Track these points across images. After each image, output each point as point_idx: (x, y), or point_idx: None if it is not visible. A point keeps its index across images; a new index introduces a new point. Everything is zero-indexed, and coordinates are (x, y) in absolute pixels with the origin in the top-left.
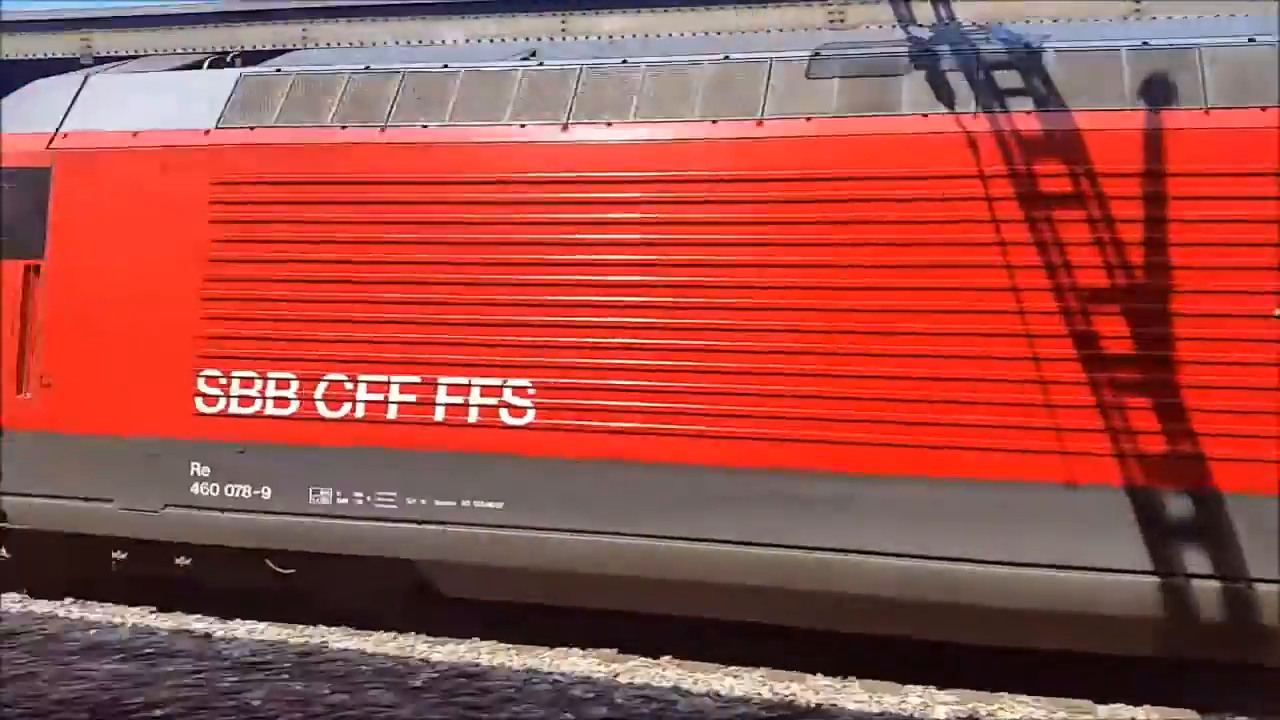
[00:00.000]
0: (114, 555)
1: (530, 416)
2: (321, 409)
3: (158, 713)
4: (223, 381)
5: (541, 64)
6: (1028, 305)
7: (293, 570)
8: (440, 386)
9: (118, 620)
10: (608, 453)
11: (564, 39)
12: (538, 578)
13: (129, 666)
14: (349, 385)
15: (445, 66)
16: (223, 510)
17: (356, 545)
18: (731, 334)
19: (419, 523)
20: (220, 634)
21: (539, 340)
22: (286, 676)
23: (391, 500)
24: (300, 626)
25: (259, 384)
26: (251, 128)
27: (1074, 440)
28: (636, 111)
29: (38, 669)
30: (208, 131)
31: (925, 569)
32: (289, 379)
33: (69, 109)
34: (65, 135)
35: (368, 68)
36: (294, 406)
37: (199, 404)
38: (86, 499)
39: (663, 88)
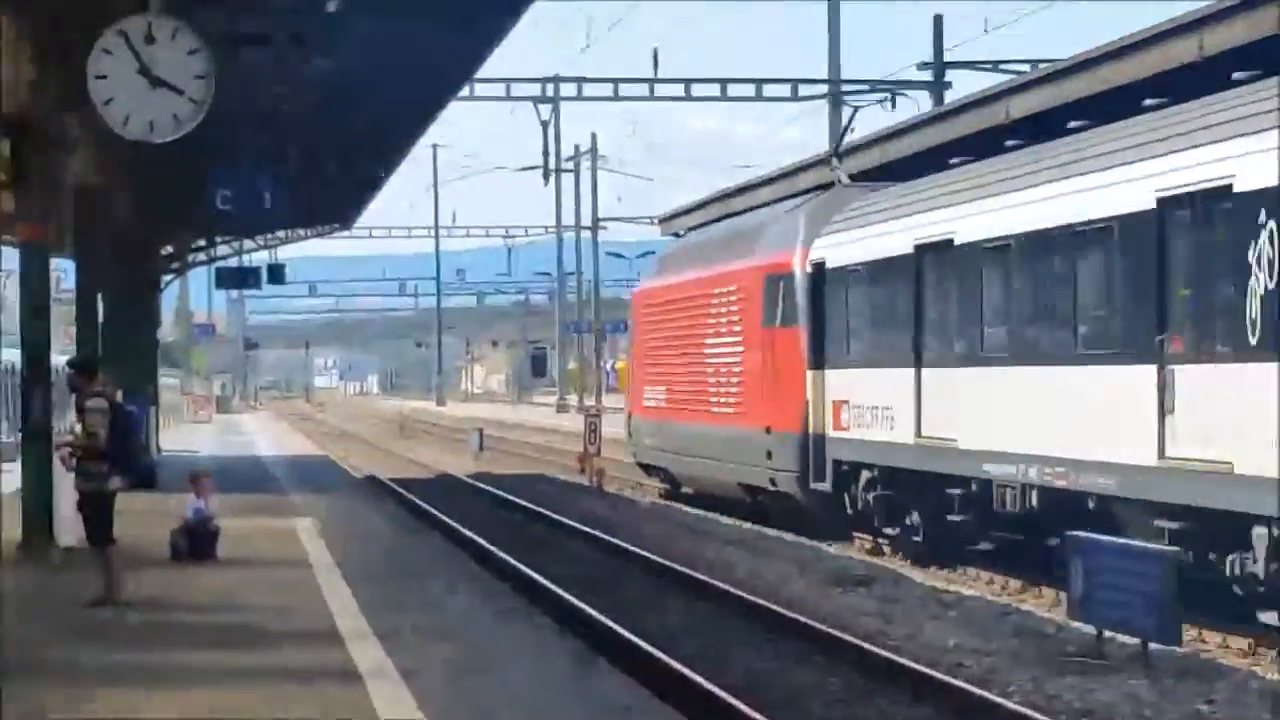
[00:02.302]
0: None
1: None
2: (659, 404)
3: None
4: (648, 393)
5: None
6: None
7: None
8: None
9: None
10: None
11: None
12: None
13: None
14: (668, 393)
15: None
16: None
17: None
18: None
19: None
20: None
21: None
22: None
23: (657, 434)
24: None
25: (656, 392)
26: (650, 280)
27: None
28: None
29: None
30: (643, 283)
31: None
32: (660, 390)
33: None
34: (642, 285)
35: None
36: (658, 401)
37: (645, 401)
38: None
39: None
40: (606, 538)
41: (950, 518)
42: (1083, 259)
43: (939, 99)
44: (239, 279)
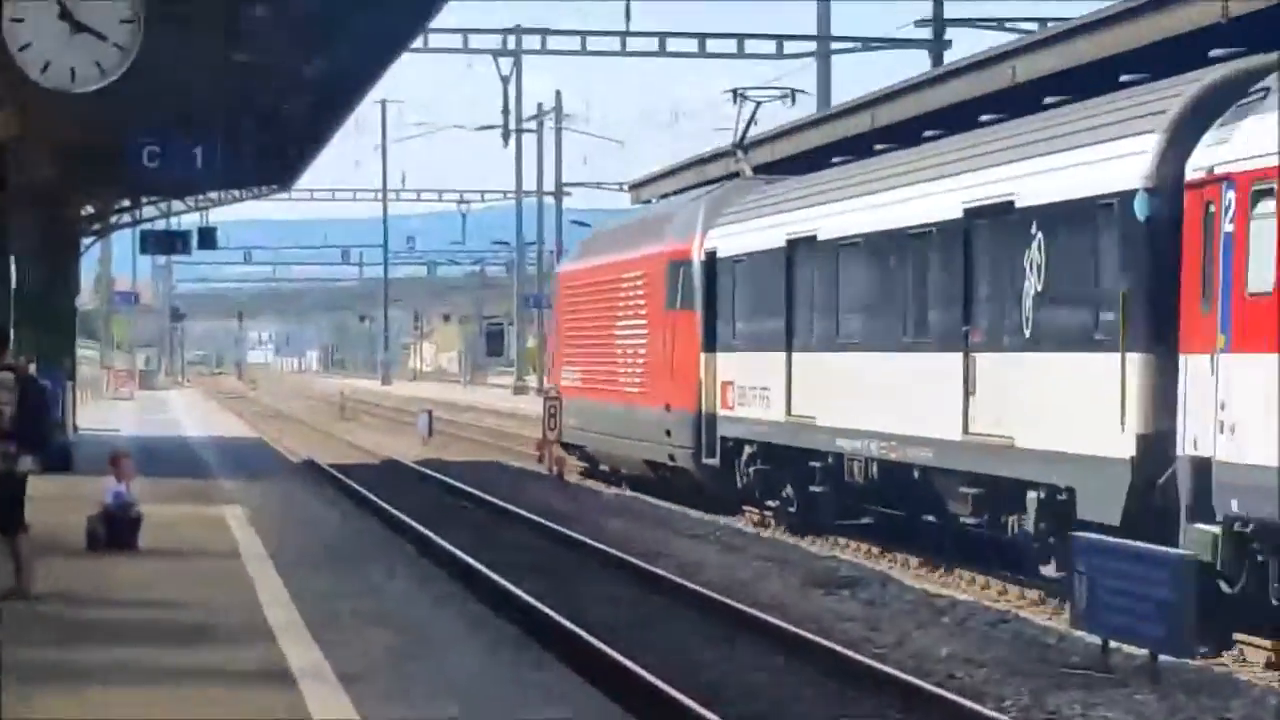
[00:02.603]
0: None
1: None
2: (576, 383)
3: None
4: (566, 372)
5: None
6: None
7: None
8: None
9: None
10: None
11: None
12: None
13: None
14: (583, 373)
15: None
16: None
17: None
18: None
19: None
20: None
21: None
22: None
23: (575, 412)
24: None
25: (574, 372)
26: (572, 263)
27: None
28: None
29: None
30: (565, 265)
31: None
32: (577, 370)
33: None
34: (564, 267)
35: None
36: (575, 381)
37: (562, 380)
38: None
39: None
40: (566, 531)
41: (813, 489)
42: (910, 259)
43: (937, 59)
44: (166, 243)
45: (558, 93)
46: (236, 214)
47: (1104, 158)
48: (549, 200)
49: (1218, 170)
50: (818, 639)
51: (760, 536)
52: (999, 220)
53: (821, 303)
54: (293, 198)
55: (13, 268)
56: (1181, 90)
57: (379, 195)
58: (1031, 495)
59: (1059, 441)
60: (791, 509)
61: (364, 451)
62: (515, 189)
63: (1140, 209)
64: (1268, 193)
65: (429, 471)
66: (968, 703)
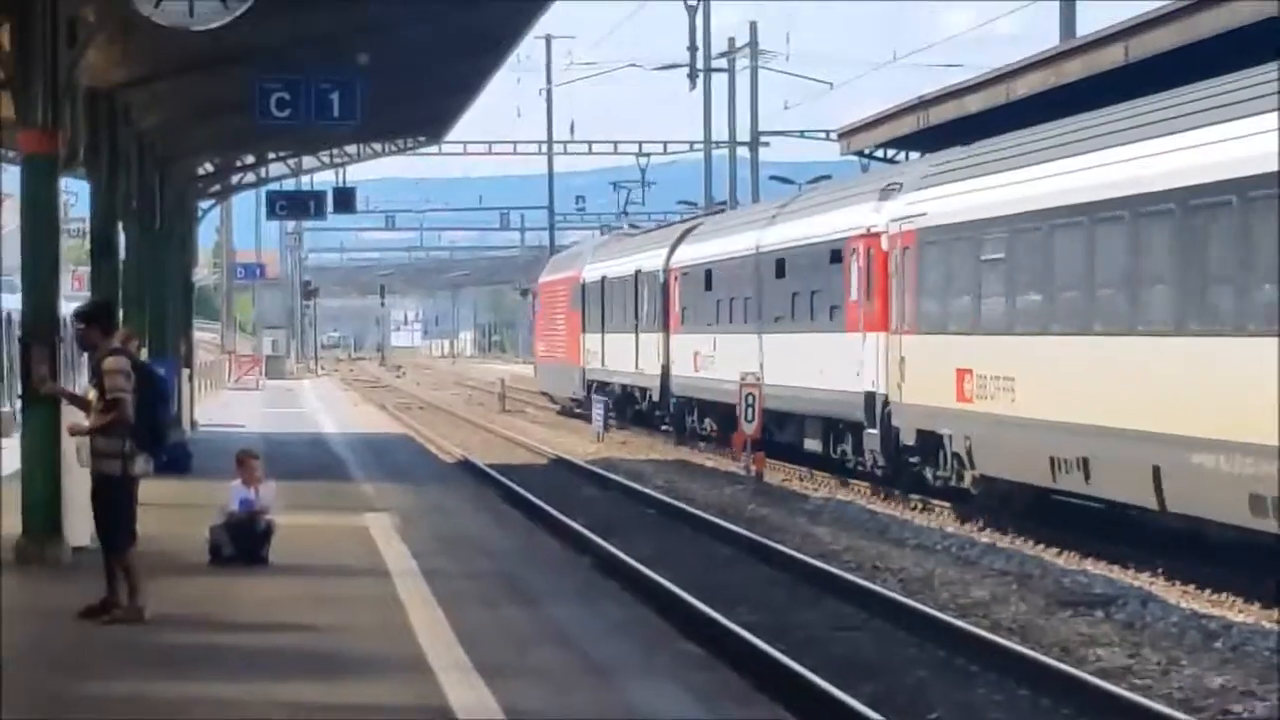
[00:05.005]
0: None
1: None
2: (544, 352)
3: None
4: (540, 346)
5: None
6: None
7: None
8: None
9: None
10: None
11: None
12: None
13: None
14: (546, 346)
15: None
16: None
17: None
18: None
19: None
20: None
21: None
22: None
23: (545, 371)
24: None
25: (543, 345)
26: (545, 275)
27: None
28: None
29: None
30: (542, 278)
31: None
32: (544, 344)
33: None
34: (541, 279)
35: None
36: (544, 350)
37: (539, 351)
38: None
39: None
40: (769, 543)
41: (611, 403)
42: (627, 291)
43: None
44: (297, 206)
45: (753, 25)
46: (378, 172)
47: (656, 255)
48: (743, 152)
49: (670, 268)
50: (1068, 668)
51: (995, 547)
52: (640, 277)
53: (609, 309)
54: (443, 152)
55: (121, 235)
56: (679, 229)
57: (543, 148)
58: (649, 391)
59: (613, 368)
60: (619, 420)
61: (528, 450)
62: (704, 139)
63: (659, 279)
64: (666, 283)
65: (604, 472)
66: None
